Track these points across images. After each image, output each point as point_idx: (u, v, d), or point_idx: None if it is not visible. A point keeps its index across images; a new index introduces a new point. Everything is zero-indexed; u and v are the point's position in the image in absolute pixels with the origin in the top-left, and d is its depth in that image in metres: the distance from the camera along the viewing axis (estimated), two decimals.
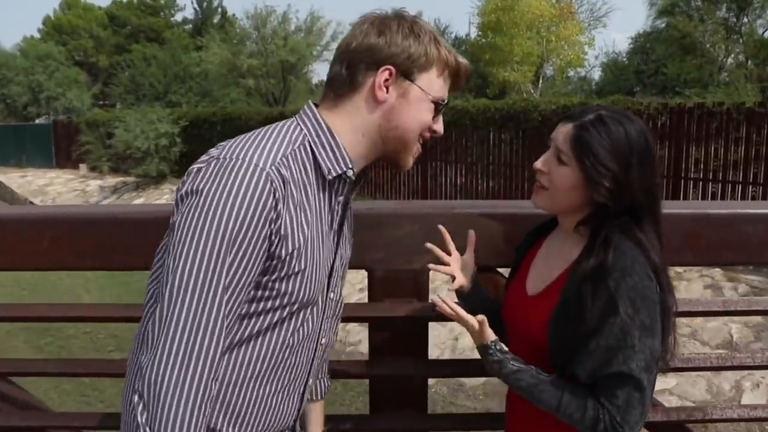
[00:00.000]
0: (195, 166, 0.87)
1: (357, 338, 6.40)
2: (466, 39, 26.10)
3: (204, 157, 0.88)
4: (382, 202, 1.31)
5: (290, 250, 0.87)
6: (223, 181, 0.83)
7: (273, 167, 0.85)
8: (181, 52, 24.88)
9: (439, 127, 0.99)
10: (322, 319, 0.99)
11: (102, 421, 1.25)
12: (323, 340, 1.01)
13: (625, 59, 21.65)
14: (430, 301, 1.17)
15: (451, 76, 0.99)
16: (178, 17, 41.65)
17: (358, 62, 0.93)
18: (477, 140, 9.66)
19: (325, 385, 1.19)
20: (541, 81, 18.41)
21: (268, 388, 0.94)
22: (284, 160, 0.88)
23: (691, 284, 6.55)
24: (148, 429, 0.80)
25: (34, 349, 5.95)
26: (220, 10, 38.48)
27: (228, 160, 0.85)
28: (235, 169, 0.83)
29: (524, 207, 1.16)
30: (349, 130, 0.94)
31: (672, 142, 7.70)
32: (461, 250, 1.12)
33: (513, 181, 9.36)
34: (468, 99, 14.87)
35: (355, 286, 6.95)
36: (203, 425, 0.83)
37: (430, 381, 2.02)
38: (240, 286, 0.84)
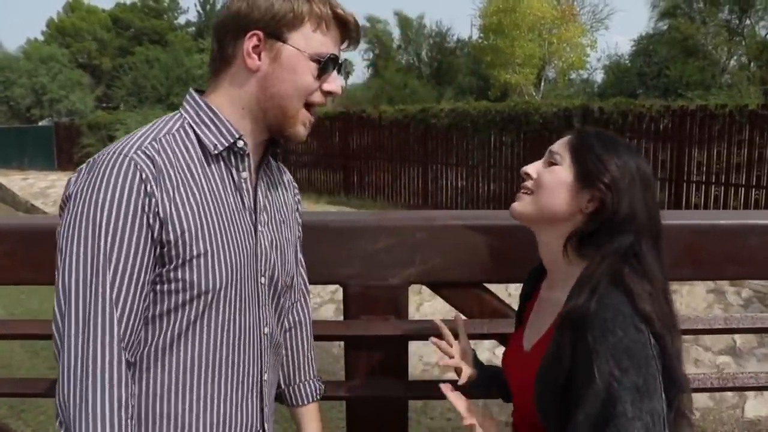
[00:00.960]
0: (72, 175, 0.85)
1: None
2: (468, 41, 26.11)
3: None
4: (356, 213, 1.23)
5: (179, 233, 0.81)
6: (92, 178, 0.80)
7: (138, 151, 0.81)
8: (183, 54, 24.93)
9: (332, 86, 0.90)
10: (259, 306, 0.91)
11: None
12: (266, 330, 0.93)
13: (627, 61, 21.58)
14: (409, 319, 1.10)
15: (334, 28, 0.89)
16: (182, 20, 41.69)
17: (225, 34, 0.87)
18: (478, 143, 9.62)
19: (313, 387, 1.10)
20: (543, 83, 18.34)
21: (212, 394, 0.87)
22: (153, 144, 0.83)
23: (693, 288, 6.47)
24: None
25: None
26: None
27: (97, 157, 0.82)
28: (102, 164, 0.80)
29: (509, 218, 1.10)
30: (228, 105, 0.89)
31: (674, 145, 7.64)
32: (445, 266, 1.04)
33: (514, 184, 9.31)
34: (469, 101, 14.81)
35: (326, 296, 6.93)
36: (129, 397, 0.78)
37: None
38: (131, 281, 0.79)
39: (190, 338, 0.85)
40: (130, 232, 0.78)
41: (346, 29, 0.90)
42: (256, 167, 0.93)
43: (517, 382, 0.93)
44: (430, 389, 1.30)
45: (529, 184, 0.93)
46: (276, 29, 0.86)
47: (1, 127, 26.86)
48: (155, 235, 0.80)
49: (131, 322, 0.79)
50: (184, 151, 0.86)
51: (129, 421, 0.78)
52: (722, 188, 7.30)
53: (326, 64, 0.88)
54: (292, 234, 1.01)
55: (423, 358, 5.29)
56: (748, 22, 18.08)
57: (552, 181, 0.89)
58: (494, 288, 1.17)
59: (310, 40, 0.87)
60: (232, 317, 0.87)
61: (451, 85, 24.00)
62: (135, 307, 0.79)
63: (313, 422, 1.09)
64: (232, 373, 0.88)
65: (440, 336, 1.01)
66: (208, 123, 0.88)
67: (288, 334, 1.08)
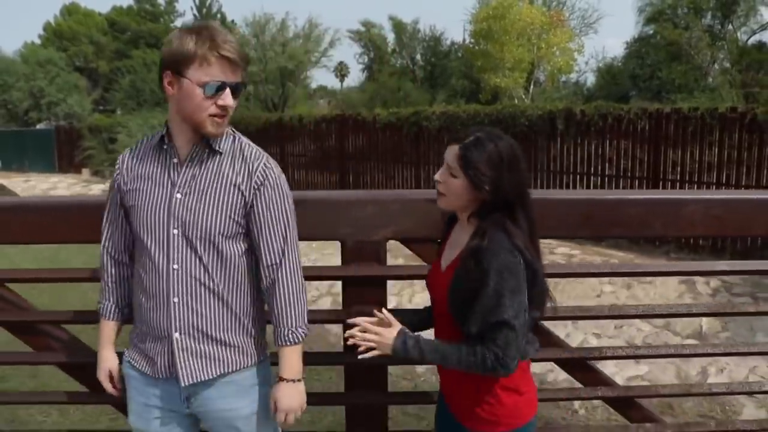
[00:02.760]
0: None
1: None
2: (461, 45, 26.55)
3: None
4: (351, 191, 1.68)
5: (125, 192, 1.42)
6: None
7: (130, 148, 1.45)
8: None
9: (224, 101, 1.30)
10: (168, 248, 1.35)
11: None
12: (174, 266, 1.36)
13: (620, 64, 21.96)
14: (387, 264, 1.55)
15: (217, 62, 1.28)
16: (178, 23, 41.75)
17: (160, 71, 1.35)
18: None
19: (283, 335, 1.38)
20: (532, 87, 18.80)
21: (141, 300, 1.39)
22: (137, 145, 1.44)
23: (666, 281, 6.90)
24: None
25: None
26: (219, 16, 38.78)
27: None
28: None
29: None
30: (171, 118, 1.38)
31: (651, 146, 8.01)
32: (411, 228, 1.51)
33: None
34: (459, 104, 15.25)
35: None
36: (108, 286, 1.47)
37: None
38: (108, 218, 1.47)
39: (136, 257, 1.42)
40: (111, 192, 1.45)
41: (229, 61, 1.29)
42: (188, 155, 1.37)
43: (436, 290, 1.41)
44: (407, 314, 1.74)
45: (440, 188, 1.37)
46: (176, 68, 1.30)
47: (2, 130, 27.05)
48: (119, 195, 1.43)
49: (112, 238, 1.46)
50: (148, 148, 1.42)
51: (109, 281, 1.47)
52: (695, 186, 7.68)
53: (215, 88, 1.29)
54: (223, 205, 1.35)
55: None
56: (730, 27, 18.64)
57: (454, 189, 1.33)
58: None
59: (197, 74, 1.28)
60: (150, 251, 1.37)
61: (444, 88, 24.42)
62: (112, 231, 1.46)
63: (284, 362, 1.39)
64: (150, 289, 1.38)
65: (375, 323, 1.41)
66: (162, 130, 1.40)
67: (267, 291, 1.41)
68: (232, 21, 37.68)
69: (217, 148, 1.36)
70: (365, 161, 12.25)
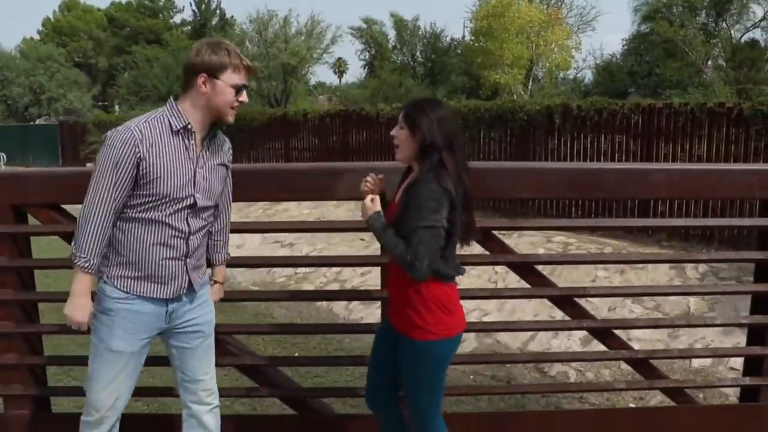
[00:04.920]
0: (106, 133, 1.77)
1: (359, 315, 7.10)
2: (461, 41, 26.81)
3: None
4: (390, 162, 2.07)
5: (148, 166, 1.71)
6: (112, 135, 1.73)
7: (135, 127, 1.71)
8: (184, 54, 25.39)
9: (242, 99, 1.78)
10: (187, 212, 1.77)
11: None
12: (186, 228, 1.79)
13: (619, 60, 22.22)
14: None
15: (242, 70, 1.76)
16: (177, 19, 41.78)
17: (188, 72, 1.75)
18: (468, 138, 10.35)
19: (217, 257, 2.00)
20: (530, 83, 19.15)
21: (146, 252, 1.77)
22: (145, 123, 1.72)
23: (657, 266, 7.27)
24: (74, 242, 1.75)
25: None
26: (218, 12, 38.90)
27: (115, 129, 1.75)
28: (117, 132, 1.73)
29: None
30: (189, 107, 1.76)
31: (644, 140, 8.36)
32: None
33: None
34: (460, 100, 15.57)
35: (331, 277, 7.64)
36: (98, 245, 1.73)
37: None
38: (116, 183, 1.70)
39: (144, 220, 1.76)
40: (123, 163, 1.70)
41: (248, 69, 1.79)
42: (202, 138, 1.79)
43: (390, 218, 1.83)
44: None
45: (395, 141, 1.83)
46: (212, 73, 1.73)
47: (7, 126, 27.21)
48: (139, 168, 1.71)
49: (116, 203, 1.73)
50: (160, 126, 1.73)
51: (102, 240, 1.74)
52: None
53: (239, 89, 1.76)
54: (220, 176, 1.86)
55: None
56: (723, 25, 19.01)
57: (402, 139, 1.81)
58: None
59: (230, 78, 1.75)
60: (170, 210, 1.75)
61: (444, 84, 24.72)
62: (117, 194, 1.72)
63: (217, 274, 2.00)
64: (160, 245, 1.78)
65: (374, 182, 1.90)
66: (174, 114, 1.75)
67: (213, 228, 1.94)
68: (232, 17, 37.95)
69: (215, 135, 1.85)
70: (369, 155, 12.51)
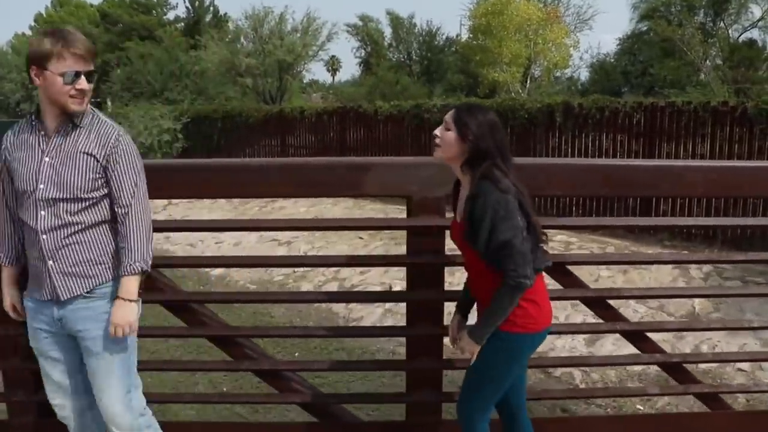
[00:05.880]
0: None
1: (359, 314, 7.01)
2: (456, 39, 26.80)
3: None
4: (418, 157, 2.00)
5: (9, 160, 1.80)
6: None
7: (8, 133, 1.81)
8: (178, 50, 25.22)
9: (80, 86, 1.71)
10: (35, 201, 1.73)
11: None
12: (42, 213, 1.74)
13: (613, 60, 22.31)
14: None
15: (64, 57, 1.68)
16: (170, 15, 41.49)
17: (27, 66, 1.73)
18: None
19: (126, 266, 1.78)
20: (529, 81, 19.15)
21: (25, 237, 1.80)
22: (17, 126, 1.82)
23: (661, 267, 7.22)
24: None
25: None
26: (212, 9, 38.65)
27: None
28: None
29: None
30: (41, 102, 1.77)
31: (646, 139, 8.30)
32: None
33: None
34: (459, 98, 15.53)
35: (330, 275, 7.55)
36: (7, 230, 1.85)
37: None
38: (5, 181, 1.83)
39: (20, 211, 1.80)
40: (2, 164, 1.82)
41: (71, 51, 1.69)
42: (55, 129, 1.76)
43: (456, 239, 1.81)
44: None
45: (437, 141, 1.76)
46: (40, 64, 1.70)
47: (4, 121, 26.95)
48: (5, 164, 1.81)
49: (5, 197, 1.85)
50: (25, 126, 1.80)
51: (7, 232, 1.89)
52: None
53: (72, 76, 1.69)
54: (81, 166, 1.75)
55: None
56: (721, 24, 19.08)
57: (447, 140, 1.74)
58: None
59: (56, 66, 1.69)
60: (26, 205, 1.75)
61: (440, 82, 24.69)
62: (7, 192, 1.82)
63: (123, 286, 1.76)
64: (28, 233, 1.78)
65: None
66: (33, 111, 1.81)
67: (119, 229, 1.78)
68: (225, 14, 37.69)
69: (78, 123, 1.76)
70: (366, 153, 12.46)
